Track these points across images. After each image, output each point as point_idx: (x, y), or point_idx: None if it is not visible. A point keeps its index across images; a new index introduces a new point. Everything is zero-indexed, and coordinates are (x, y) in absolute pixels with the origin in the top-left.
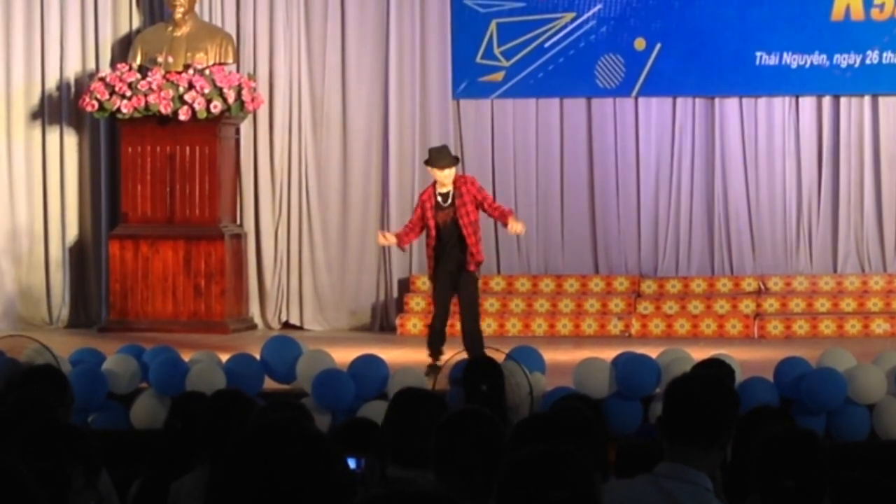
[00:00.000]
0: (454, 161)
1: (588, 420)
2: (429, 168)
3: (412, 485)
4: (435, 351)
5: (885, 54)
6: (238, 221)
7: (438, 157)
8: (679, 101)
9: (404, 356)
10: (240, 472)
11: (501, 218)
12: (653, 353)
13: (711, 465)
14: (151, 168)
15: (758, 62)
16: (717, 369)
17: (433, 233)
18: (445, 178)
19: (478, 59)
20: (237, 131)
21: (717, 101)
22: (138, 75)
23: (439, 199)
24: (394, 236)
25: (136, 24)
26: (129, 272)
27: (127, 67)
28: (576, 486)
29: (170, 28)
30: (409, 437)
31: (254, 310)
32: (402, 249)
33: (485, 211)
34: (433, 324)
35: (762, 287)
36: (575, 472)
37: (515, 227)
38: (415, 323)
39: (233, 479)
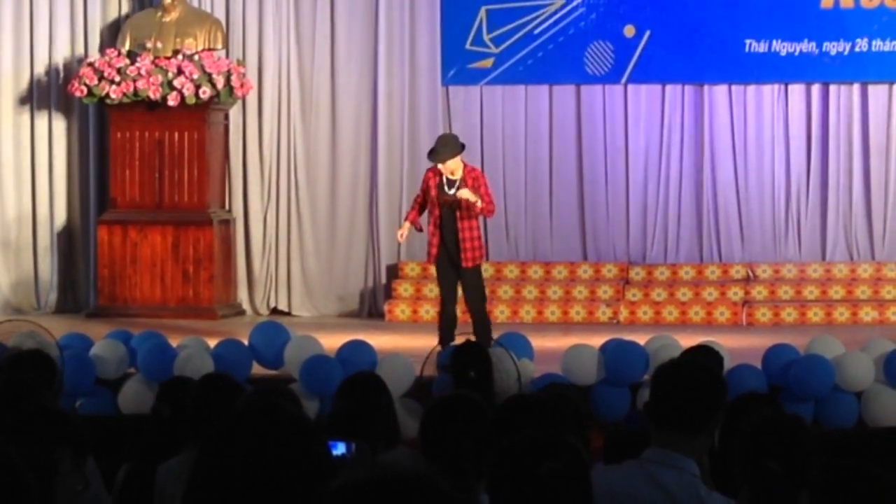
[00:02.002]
0: (454, 152)
1: (570, 404)
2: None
3: (396, 466)
4: (444, 336)
5: (874, 42)
6: (227, 207)
7: (435, 152)
8: (668, 88)
9: (392, 342)
10: (222, 455)
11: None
12: (641, 339)
13: (699, 452)
14: (140, 153)
15: (747, 49)
16: (705, 356)
17: (437, 211)
18: (448, 169)
19: (467, 46)
20: (226, 117)
21: (706, 88)
22: (127, 61)
23: (445, 183)
24: (406, 224)
25: (125, 9)
26: (118, 257)
27: (116, 53)
28: (566, 459)
29: (159, 13)
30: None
31: (242, 295)
32: (420, 230)
33: None
34: (441, 310)
35: (750, 274)
36: (565, 448)
37: (465, 192)
38: (403, 309)
39: (215, 461)
